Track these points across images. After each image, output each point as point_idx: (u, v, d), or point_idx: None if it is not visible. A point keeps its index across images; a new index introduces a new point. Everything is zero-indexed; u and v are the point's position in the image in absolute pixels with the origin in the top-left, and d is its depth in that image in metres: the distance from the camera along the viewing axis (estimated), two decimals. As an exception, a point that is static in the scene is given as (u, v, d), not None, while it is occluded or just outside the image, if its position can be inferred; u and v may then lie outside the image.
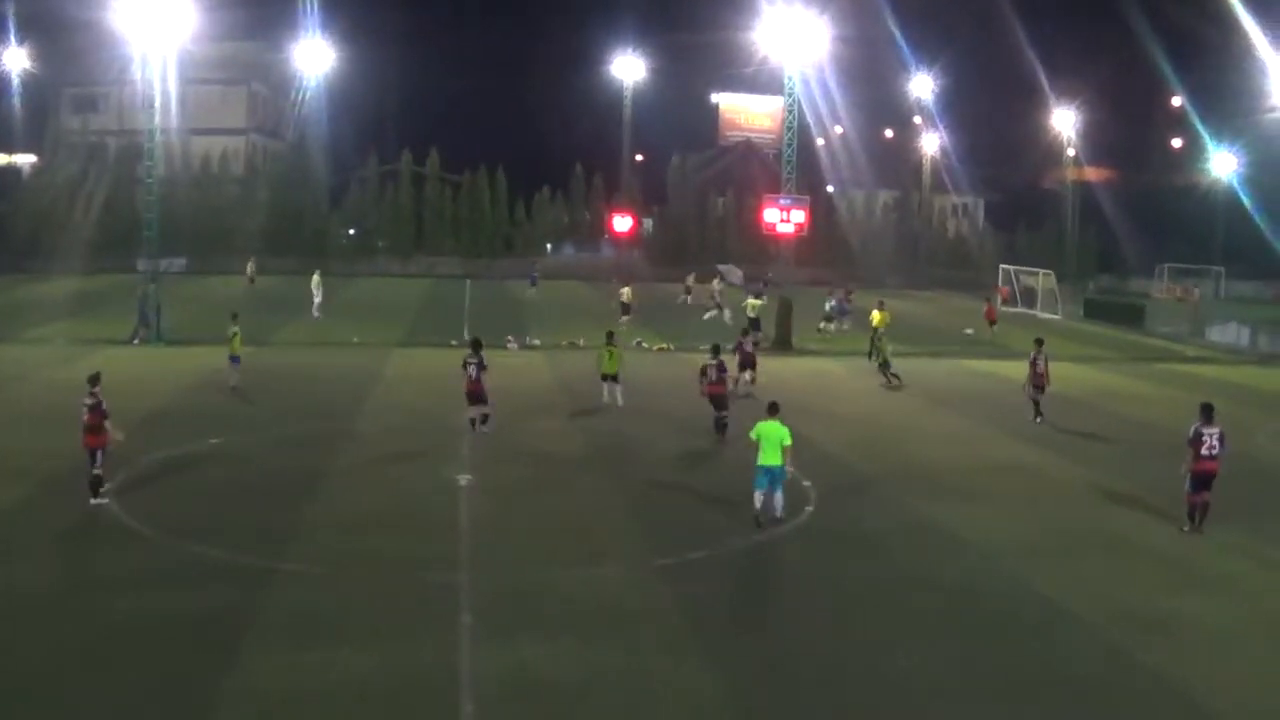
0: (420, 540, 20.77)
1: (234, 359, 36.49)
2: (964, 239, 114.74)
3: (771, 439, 22.27)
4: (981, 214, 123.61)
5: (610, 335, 36.24)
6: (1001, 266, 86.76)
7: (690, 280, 76.73)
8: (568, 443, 29.87)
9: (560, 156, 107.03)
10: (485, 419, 30.52)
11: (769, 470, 22.21)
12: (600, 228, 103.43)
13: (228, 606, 17.15)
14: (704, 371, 31.08)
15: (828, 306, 58.54)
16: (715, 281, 68.48)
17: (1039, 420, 34.41)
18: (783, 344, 50.77)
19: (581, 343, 48.99)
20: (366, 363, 42.54)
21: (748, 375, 37.00)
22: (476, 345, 31.01)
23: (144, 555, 19.56)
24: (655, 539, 21.35)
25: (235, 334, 36.75)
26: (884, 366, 41.85)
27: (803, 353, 49.90)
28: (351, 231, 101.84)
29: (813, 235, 67.07)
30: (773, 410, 22.93)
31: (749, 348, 37.96)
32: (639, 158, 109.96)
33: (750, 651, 16.29)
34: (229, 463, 26.45)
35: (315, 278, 60.75)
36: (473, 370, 30.20)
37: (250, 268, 76.55)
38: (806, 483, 25.24)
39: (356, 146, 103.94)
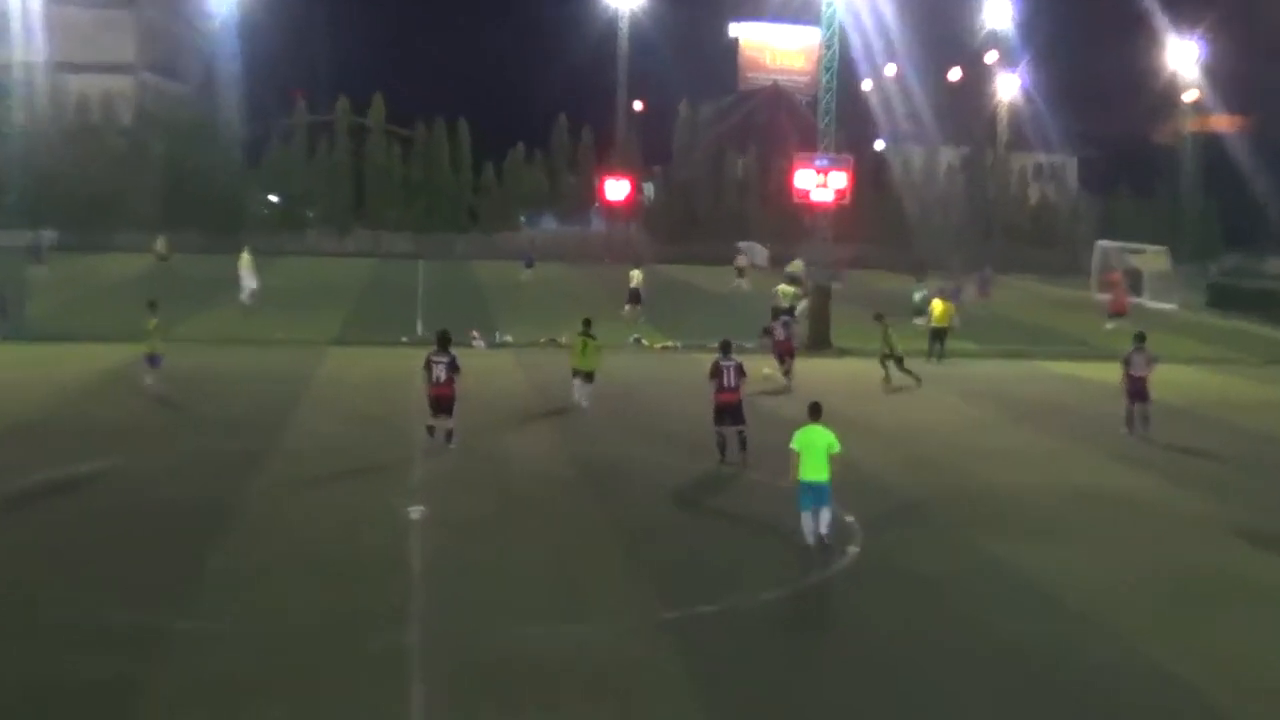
0: (361, 589, 20.69)
1: (152, 358, 36.82)
2: (1050, 208, 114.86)
3: (817, 448, 22.70)
4: (1073, 176, 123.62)
5: (587, 323, 36.63)
6: (1098, 243, 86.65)
7: (741, 261, 77.08)
8: (546, 465, 29.86)
9: (539, 105, 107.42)
10: (450, 434, 31.00)
11: (815, 487, 22.68)
12: (589, 195, 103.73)
13: (115, 677, 16.99)
14: (717, 373, 30.81)
15: (917, 298, 58.79)
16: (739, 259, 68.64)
17: (1126, 433, 34.92)
18: (820, 342, 50.82)
19: (564, 340, 49.01)
20: (293, 365, 42.61)
21: (783, 368, 37.66)
22: (444, 341, 31.67)
23: (8, 611, 19.40)
24: (657, 586, 21.31)
25: (154, 326, 37.14)
26: (892, 360, 43.07)
27: (844, 353, 49.98)
28: (273, 199, 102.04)
29: (857, 205, 67.11)
30: (815, 413, 23.37)
31: (781, 335, 38.30)
32: (638, 107, 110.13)
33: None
34: (119, 490, 26.41)
35: (245, 257, 60.94)
36: (441, 371, 30.74)
37: (160, 242, 76.65)
38: (850, 517, 25.22)
39: (279, 91, 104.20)
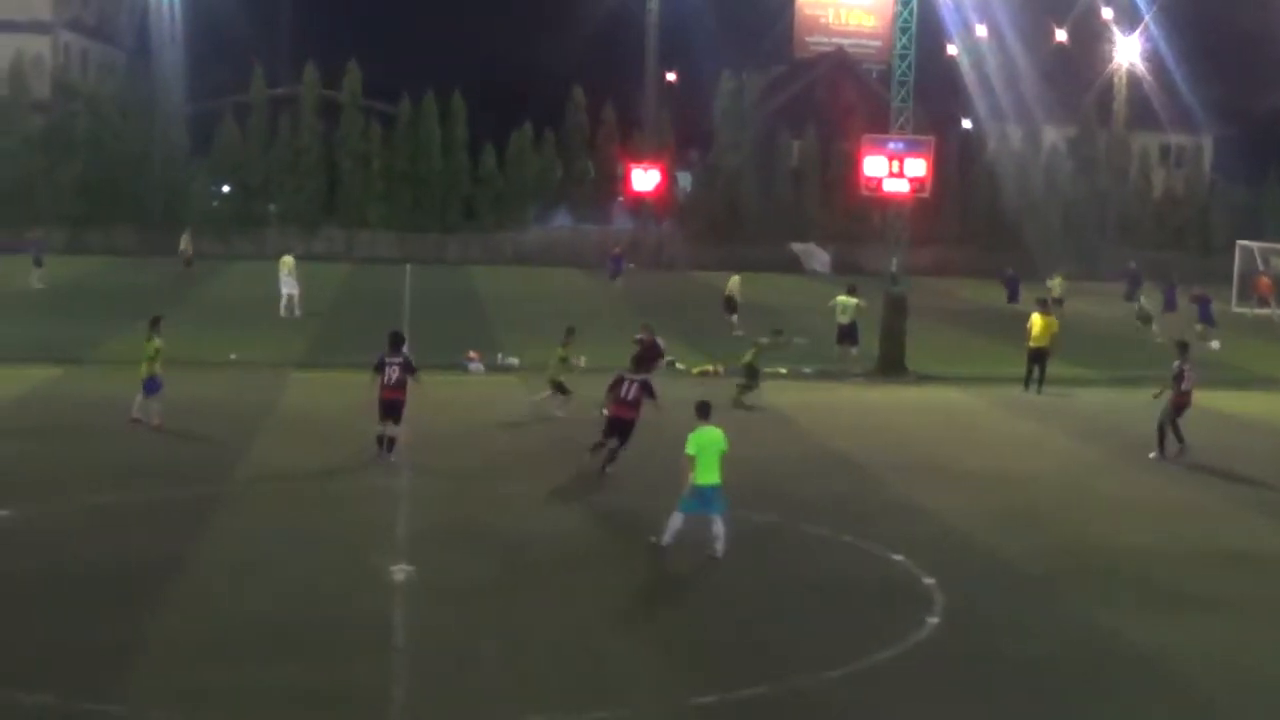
0: (331, 668, 20.69)
1: (151, 383, 37.04)
2: (1180, 200, 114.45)
3: (712, 451, 25.13)
4: (1208, 161, 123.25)
5: (570, 331, 39.68)
6: (1240, 243, 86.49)
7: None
8: (557, 516, 29.93)
9: (550, 76, 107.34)
10: (392, 444, 33.73)
11: (710, 491, 25.53)
12: (611, 186, 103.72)
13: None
14: (617, 385, 33.32)
15: (1142, 302, 59.78)
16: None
17: (1155, 456, 36.77)
18: (892, 366, 50.79)
19: (582, 362, 49.21)
20: (249, 392, 42.74)
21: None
22: (398, 342, 34.97)
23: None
24: (688, 666, 21.40)
25: (155, 348, 37.18)
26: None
27: (924, 379, 50.01)
28: (225, 189, 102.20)
29: (940, 197, 67.33)
30: (704, 413, 25.88)
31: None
32: (671, 79, 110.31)
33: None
34: (26, 548, 26.43)
35: (288, 261, 64.94)
36: (394, 373, 33.68)
37: (185, 241, 77.04)
38: (929, 580, 25.31)
39: (234, 59, 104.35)
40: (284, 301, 63.60)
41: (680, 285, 67.24)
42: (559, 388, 39.66)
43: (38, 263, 70.39)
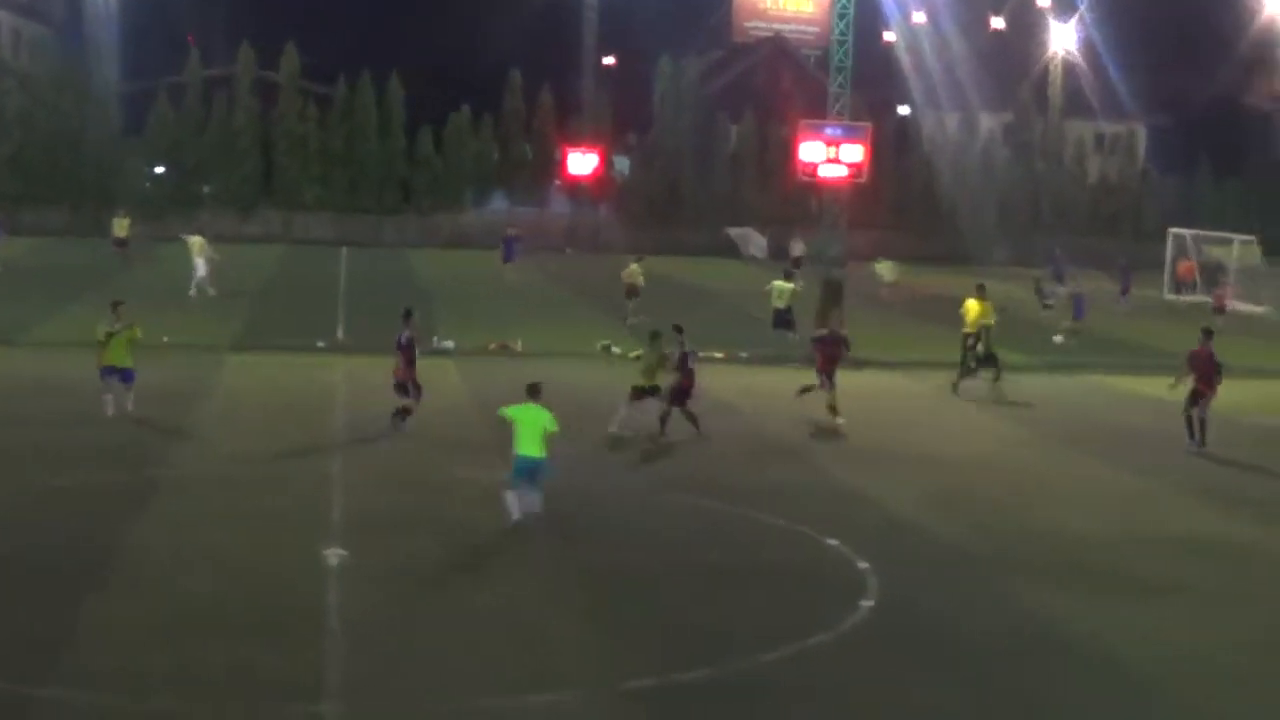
0: (267, 651, 20.62)
1: (123, 373, 36.47)
2: (1113, 188, 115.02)
3: (534, 425, 26.86)
4: (1142, 149, 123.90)
5: (655, 335, 37.88)
6: (1172, 231, 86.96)
7: (797, 250, 77.79)
8: (493, 501, 29.89)
9: (488, 60, 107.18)
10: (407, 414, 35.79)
11: (532, 463, 26.96)
12: (549, 169, 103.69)
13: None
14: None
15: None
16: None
17: (1195, 448, 36.23)
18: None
19: (519, 346, 49.19)
20: (184, 374, 42.55)
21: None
22: (407, 316, 37.51)
23: None
24: (626, 648, 21.42)
25: (117, 332, 36.48)
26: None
27: (859, 364, 50.12)
28: (159, 170, 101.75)
29: (877, 183, 67.47)
30: (534, 393, 27.25)
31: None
32: (609, 62, 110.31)
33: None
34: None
35: (198, 240, 64.86)
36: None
37: (121, 224, 76.58)
38: (863, 564, 25.43)
39: (168, 38, 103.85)
40: (195, 280, 63.23)
41: (616, 269, 66.96)
42: (639, 392, 37.06)
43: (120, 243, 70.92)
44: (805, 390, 39.10)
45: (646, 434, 35.76)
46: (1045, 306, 65.07)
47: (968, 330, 48.39)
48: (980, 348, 44.74)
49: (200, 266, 63.45)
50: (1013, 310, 57.93)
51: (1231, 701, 20.26)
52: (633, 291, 60.35)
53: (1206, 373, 36.94)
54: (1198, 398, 36.85)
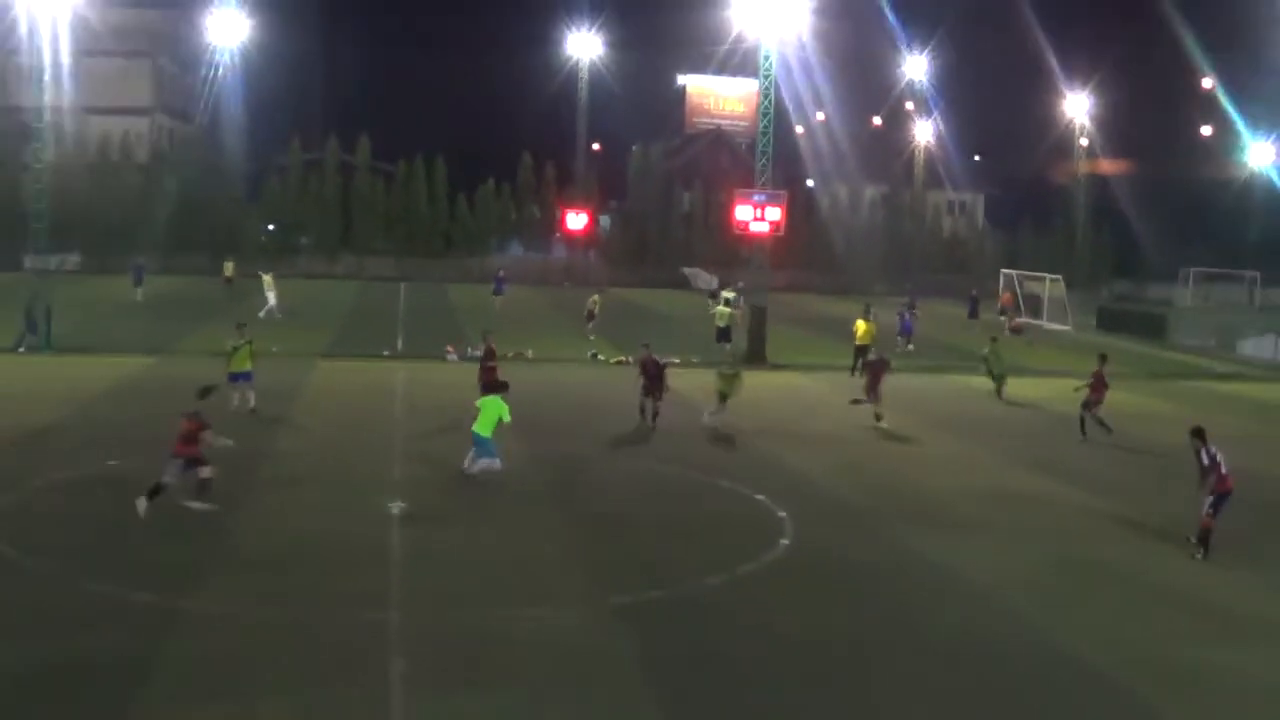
0: (345, 576, 20.61)
1: (245, 376, 35.68)
2: (961, 240, 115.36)
3: (490, 412, 27.31)
4: (981, 212, 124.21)
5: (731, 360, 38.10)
6: (1003, 271, 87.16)
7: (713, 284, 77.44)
8: (512, 467, 29.68)
9: (507, 145, 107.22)
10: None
11: (479, 439, 27.35)
12: (552, 225, 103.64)
13: (122, 653, 16.90)
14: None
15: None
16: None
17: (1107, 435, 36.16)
18: (757, 357, 50.87)
19: (530, 354, 48.98)
20: (285, 375, 42.21)
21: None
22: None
23: (24, 593, 19.29)
24: (610, 575, 21.34)
25: (241, 346, 35.96)
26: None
27: (778, 367, 50.02)
28: (270, 227, 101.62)
29: (790, 235, 67.20)
30: (501, 388, 28.55)
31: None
32: (596, 147, 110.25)
33: (717, 706, 16.22)
34: (129, 488, 26.10)
35: (268, 278, 63.68)
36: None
37: (229, 267, 76.21)
38: (782, 513, 25.30)
39: (276, 131, 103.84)
40: (266, 308, 61.84)
41: (601, 298, 66.79)
42: (723, 397, 36.51)
43: (137, 281, 69.81)
44: (856, 402, 38.04)
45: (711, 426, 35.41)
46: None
47: (859, 342, 48.32)
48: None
49: (271, 298, 62.55)
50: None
51: (1038, 603, 20.41)
52: (590, 316, 59.82)
53: (1097, 386, 36.96)
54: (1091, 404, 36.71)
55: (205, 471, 24.04)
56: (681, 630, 18.76)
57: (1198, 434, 24.03)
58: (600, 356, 50.30)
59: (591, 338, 56.39)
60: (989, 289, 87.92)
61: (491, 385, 32.02)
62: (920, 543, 24.01)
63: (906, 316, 59.95)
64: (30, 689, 15.81)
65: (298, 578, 20.43)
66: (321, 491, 26.66)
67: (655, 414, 34.96)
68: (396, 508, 25.11)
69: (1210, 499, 23.42)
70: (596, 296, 61.64)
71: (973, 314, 73.61)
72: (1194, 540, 23.69)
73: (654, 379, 35.24)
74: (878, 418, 36.85)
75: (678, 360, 46.16)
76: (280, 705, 15.50)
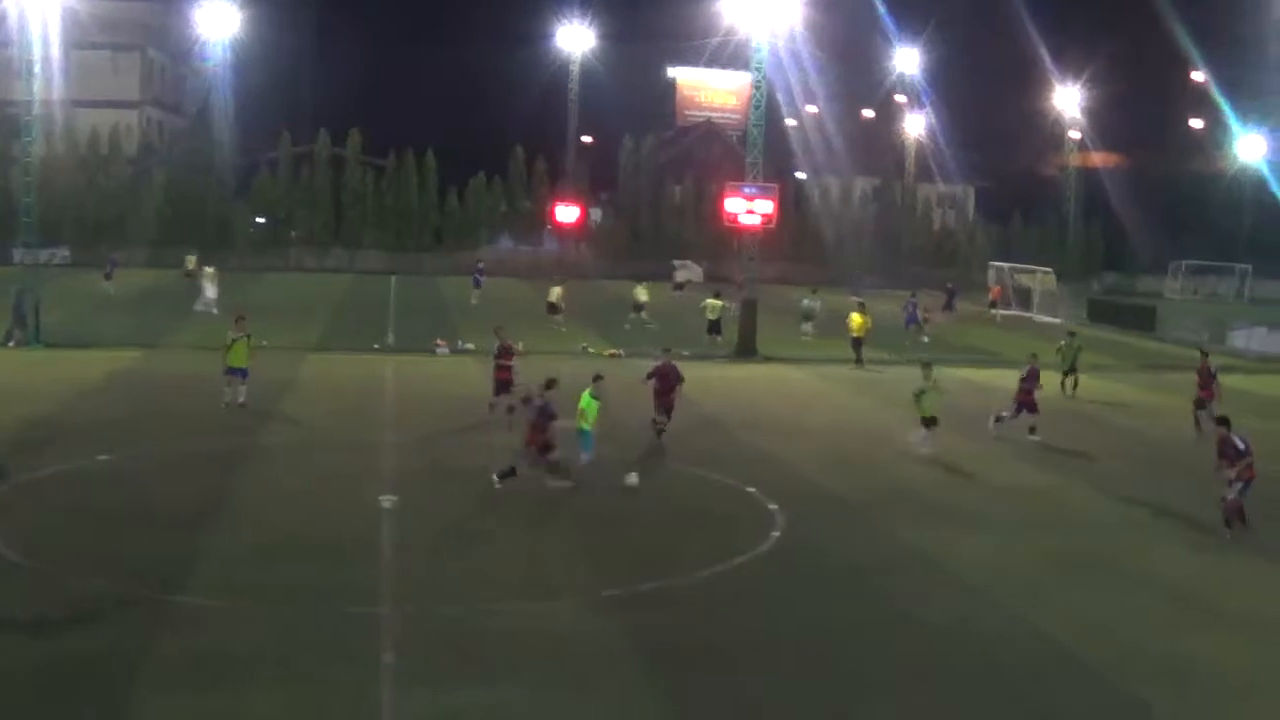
0: (337, 568, 20.61)
1: (240, 372, 35.23)
2: (951, 233, 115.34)
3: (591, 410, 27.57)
4: (972, 205, 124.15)
5: (927, 366, 34.55)
6: (993, 264, 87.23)
7: (679, 276, 76.98)
8: (503, 460, 29.68)
9: (498, 138, 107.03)
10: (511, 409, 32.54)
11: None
12: (543, 218, 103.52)
13: (116, 646, 16.93)
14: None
15: (805, 305, 59.22)
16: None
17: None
18: (747, 350, 50.87)
19: (520, 347, 48.89)
20: (276, 369, 42.05)
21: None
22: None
23: (18, 587, 19.31)
24: (602, 567, 21.36)
25: (240, 339, 35.44)
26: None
27: (769, 359, 50.03)
28: (261, 220, 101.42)
29: (781, 228, 67.17)
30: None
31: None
32: (587, 140, 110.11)
33: (710, 696, 16.26)
34: (120, 482, 26.20)
35: (210, 270, 62.83)
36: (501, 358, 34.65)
37: (190, 260, 76.02)
38: (773, 505, 25.32)
39: (267, 125, 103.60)
40: (202, 300, 60.27)
41: (592, 291, 67.03)
42: (930, 422, 32.12)
43: (109, 274, 69.74)
44: (999, 420, 35.12)
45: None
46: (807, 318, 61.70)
47: (855, 335, 48.40)
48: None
49: (209, 291, 60.90)
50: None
51: (1029, 595, 20.45)
52: (553, 308, 59.38)
53: (1207, 382, 36.25)
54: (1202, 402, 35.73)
55: (553, 455, 26.21)
56: (673, 622, 18.80)
57: (1223, 422, 24.66)
58: (590, 350, 50.27)
59: (562, 330, 56.32)
60: (978, 282, 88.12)
61: (505, 384, 32.34)
62: (911, 535, 24.01)
63: (913, 308, 60.24)
64: (20, 684, 15.82)
65: (288, 571, 20.42)
66: (312, 485, 26.65)
67: (660, 431, 32.05)
68: (387, 501, 25.10)
69: (1240, 485, 23.92)
70: (558, 288, 61.37)
71: (948, 306, 73.85)
72: (1225, 523, 24.12)
73: (670, 390, 32.25)
74: (1032, 430, 34.30)
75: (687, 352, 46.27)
76: (271, 698, 15.52)
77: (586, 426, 27.40)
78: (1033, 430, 34.30)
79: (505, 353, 34.97)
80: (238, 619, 18.17)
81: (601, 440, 28.11)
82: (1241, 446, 24.13)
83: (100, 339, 47.97)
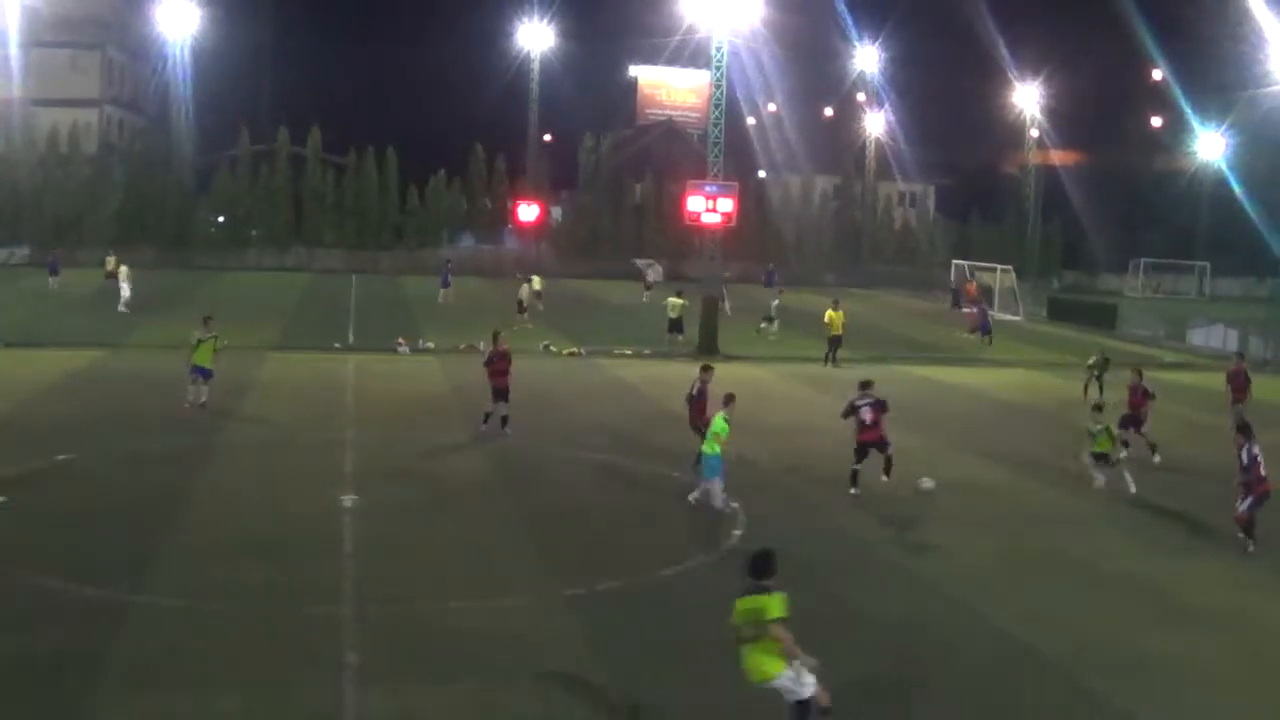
0: (298, 568, 20.58)
1: (204, 372, 34.65)
2: (912, 231, 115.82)
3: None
4: (932, 203, 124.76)
5: (1097, 409, 30.76)
6: (954, 262, 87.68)
7: (650, 276, 77.24)
8: (465, 459, 29.77)
9: (459, 136, 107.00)
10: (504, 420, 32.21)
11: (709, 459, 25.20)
12: (503, 216, 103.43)
13: (74, 648, 16.84)
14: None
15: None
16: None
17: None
18: (708, 349, 50.93)
19: (481, 345, 48.88)
20: (236, 368, 41.79)
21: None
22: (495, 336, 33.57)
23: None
24: (562, 567, 21.33)
25: (207, 340, 34.87)
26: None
27: (730, 358, 50.09)
28: (220, 219, 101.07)
29: (742, 226, 67.32)
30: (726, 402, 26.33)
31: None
32: (547, 138, 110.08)
33: (670, 695, 16.31)
34: (78, 482, 26.05)
35: (125, 269, 62.24)
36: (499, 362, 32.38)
37: (110, 261, 75.63)
38: (735, 504, 25.35)
39: (227, 123, 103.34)
40: (125, 301, 59.70)
41: (551, 289, 67.01)
42: (1103, 459, 28.67)
43: (53, 271, 69.37)
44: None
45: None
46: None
47: (833, 333, 48.61)
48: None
49: (125, 289, 60.36)
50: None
51: (987, 592, 20.56)
52: (521, 307, 59.80)
53: (1240, 384, 35.65)
54: (1236, 400, 35.02)
55: (889, 450, 27.13)
56: (635, 621, 18.84)
57: (1243, 430, 23.90)
58: (552, 348, 50.28)
59: (530, 326, 56.38)
60: (940, 279, 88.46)
61: (503, 391, 31.76)
62: (872, 533, 24.15)
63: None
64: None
65: (250, 571, 20.33)
66: (273, 484, 26.58)
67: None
68: (349, 500, 25.04)
69: (1249, 500, 23.33)
70: (526, 286, 61.54)
71: (955, 304, 74.57)
72: (1241, 535, 23.54)
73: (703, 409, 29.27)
74: (1151, 447, 31.73)
75: (629, 352, 46.22)
76: (232, 699, 15.48)
77: (717, 449, 25.03)
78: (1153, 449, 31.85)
79: (501, 358, 32.61)
80: (198, 619, 18.09)
81: (601, 440, 28.07)
82: (1245, 461, 23.41)
83: (59, 338, 47.69)
